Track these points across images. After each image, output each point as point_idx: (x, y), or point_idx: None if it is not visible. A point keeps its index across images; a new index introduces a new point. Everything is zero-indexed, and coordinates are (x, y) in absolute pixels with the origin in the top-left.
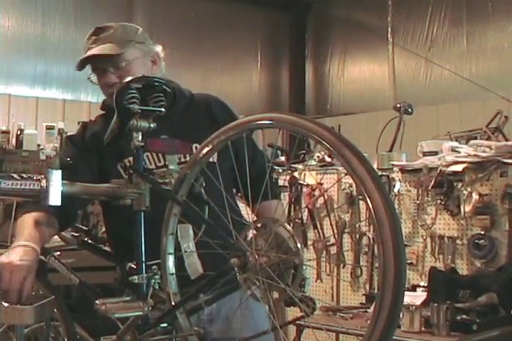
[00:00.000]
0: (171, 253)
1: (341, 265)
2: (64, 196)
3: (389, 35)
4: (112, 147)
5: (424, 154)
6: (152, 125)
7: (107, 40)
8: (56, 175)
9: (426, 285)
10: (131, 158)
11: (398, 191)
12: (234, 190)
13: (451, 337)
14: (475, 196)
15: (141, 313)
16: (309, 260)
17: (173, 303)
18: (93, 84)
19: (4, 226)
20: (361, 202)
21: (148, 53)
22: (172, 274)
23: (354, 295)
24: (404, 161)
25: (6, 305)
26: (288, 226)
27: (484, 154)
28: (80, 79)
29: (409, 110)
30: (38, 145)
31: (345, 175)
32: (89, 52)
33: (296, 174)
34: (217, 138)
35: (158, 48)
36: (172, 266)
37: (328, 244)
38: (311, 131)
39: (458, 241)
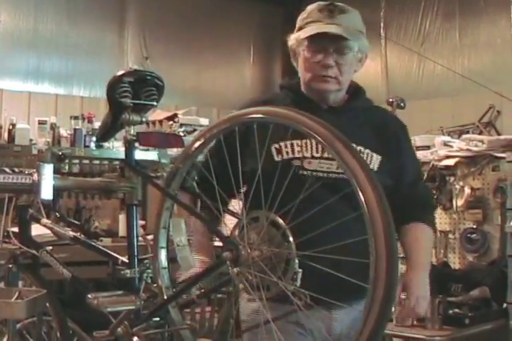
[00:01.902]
0: (163, 247)
1: None
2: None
3: (381, 30)
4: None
5: (417, 148)
6: (144, 118)
7: (344, 23)
8: (48, 169)
9: None
10: (287, 142)
11: None
12: None
13: (444, 330)
14: (467, 190)
15: (133, 307)
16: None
17: (165, 297)
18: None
19: None
20: None
21: (361, 49)
22: (164, 268)
23: None
24: None
25: None
26: (280, 220)
27: (476, 148)
28: (72, 74)
29: (402, 105)
30: (31, 139)
31: (337, 168)
32: (326, 29)
33: None
34: (209, 131)
35: (368, 47)
36: (165, 259)
37: None
38: (303, 125)
39: (450, 236)
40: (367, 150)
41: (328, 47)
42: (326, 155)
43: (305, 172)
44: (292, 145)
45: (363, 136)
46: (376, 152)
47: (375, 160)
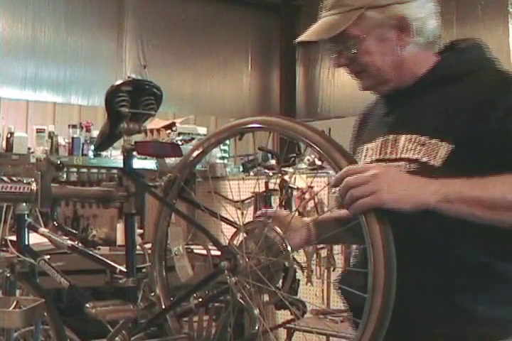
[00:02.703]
0: (161, 256)
1: (332, 268)
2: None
3: None
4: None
5: None
6: (142, 128)
7: (336, 8)
8: (46, 178)
9: None
10: (378, 142)
11: None
12: None
13: None
14: None
15: (131, 316)
16: (299, 263)
17: (163, 306)
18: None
19: None
20: None
21: (375, 24)
22: (162, 275)
23: None
24: None
25: None
26: (278, 229)
27: None
28: (70, 82)
29: None
30: (29, 148)
31: None
32: (305, 34)
33: (286, 177)
34: (207, 141)
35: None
36: (162, 266)
37: (318, 247)
38: (302, 135)
39: None
40: (434, 140)
41: (331, 46)
42: (391, 156)
43: None
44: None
45: (433, 122)
46: (446, 140)
47: (440, 152)
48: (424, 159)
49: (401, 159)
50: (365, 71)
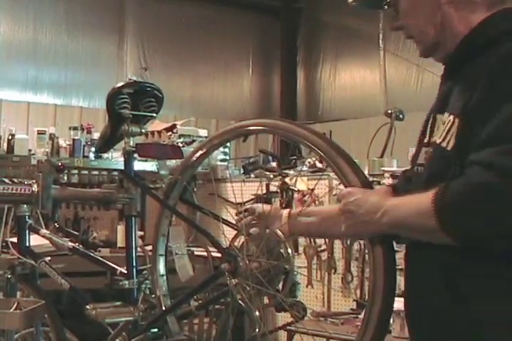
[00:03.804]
0: (161, 255)
1: (332, 271)
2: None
3: (380, 41)
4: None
5: None
6: (143, 130)
7: None
8: (47, 180)
9: None
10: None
11: None
12: None
13: None
14: None
15: (131, 318)
16: (300, 266)
17: (163, 307)
18: None
19: None
20: None
21: None
22: (162, 276)
23: (345, 301)
24: (395, 167)
25: None
26: (279, 232)
27: None
28: (71, 84)
29: (401, 116)
30: (29, 150)
31: (339, 184)
32: None
33: (287, 180)
34: (209, 142)
35: None
36: (163, 267)
37: (319, 250)
38: (304, 138)
39: None
40: (451, 117)
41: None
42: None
43: None
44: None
45: (458, 99)
46: (460, 116)
47: (452, 132)
48: (443, 143)
49: (430, 143)
50: (414, 37)
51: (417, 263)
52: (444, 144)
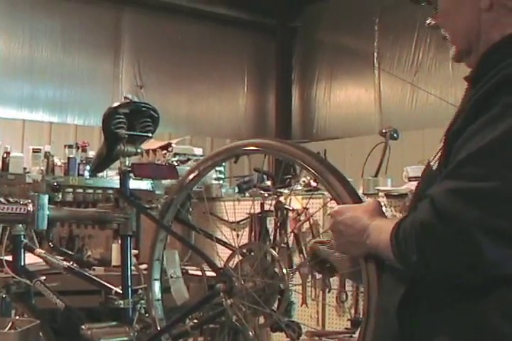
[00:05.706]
0: (156, 279)
1: (327, 289)
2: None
3: (375, 60)
4: None
5: (410, 179)
6: (139, 150)
7: None
8: (43, 200)
9: None
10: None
11: None
12: None
13: None
14: None
15: (126, 338)
16: (295, 285)
17: (158, 328)
18: None
19: None
20: None
21: None
22: (158, 300)
23: (339, 320)
24: (389, 186)
25: None
26: (274, 252)
27: None
28: (67, 102)
29: (395, 135)
30: (24, 168)
31: (331, 200)
32: None
33: (281, 198)
34: (203, 163)
35: None
36: (158, 291)
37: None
38: (297, 157)
39: None
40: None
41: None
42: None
43: None
44: None
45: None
46: (445, 136)
47: (440, 152)
48: (432, 162)
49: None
50: (449, 39)
51: (387, 283)
52: (432, 163)
